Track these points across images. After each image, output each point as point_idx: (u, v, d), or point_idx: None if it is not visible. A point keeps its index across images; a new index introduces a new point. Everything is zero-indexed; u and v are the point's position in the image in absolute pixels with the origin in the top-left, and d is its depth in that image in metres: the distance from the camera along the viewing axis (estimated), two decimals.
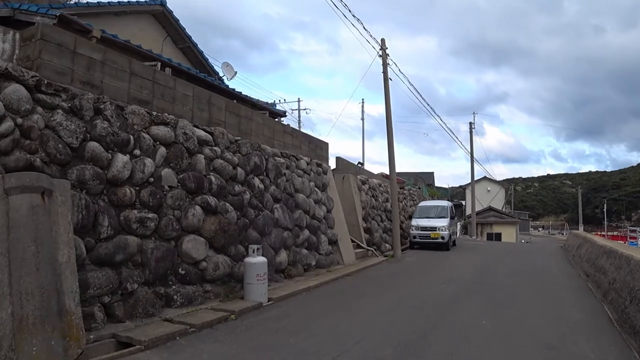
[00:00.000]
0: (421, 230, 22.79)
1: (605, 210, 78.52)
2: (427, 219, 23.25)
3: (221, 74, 18.61)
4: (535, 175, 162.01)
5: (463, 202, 56.43)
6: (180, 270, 9.28)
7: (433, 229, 22.57)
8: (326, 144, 17.85)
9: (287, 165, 14.05)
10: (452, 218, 23.84)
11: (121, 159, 8.26)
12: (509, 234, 41.80)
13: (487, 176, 53.88)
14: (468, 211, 46.41)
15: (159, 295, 8.60)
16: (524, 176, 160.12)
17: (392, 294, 11.07)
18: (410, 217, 24.74)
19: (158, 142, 9.43)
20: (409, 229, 23.49)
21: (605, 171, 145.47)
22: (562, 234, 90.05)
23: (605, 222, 77.28)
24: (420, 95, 38.11)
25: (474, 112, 38.36)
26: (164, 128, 9.62)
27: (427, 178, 60.31)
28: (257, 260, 9.98)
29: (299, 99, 45.15)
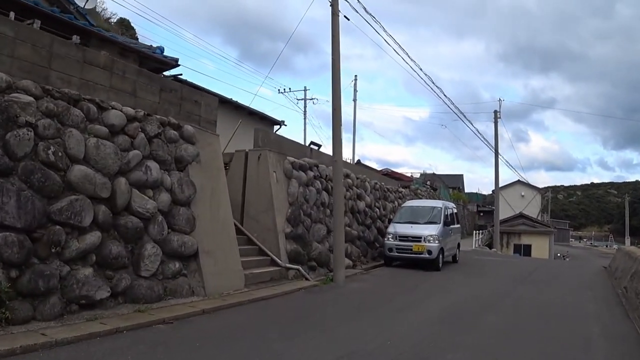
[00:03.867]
0: (399, 240, 14.58)
1: None
2: (410, 225, 15.00)
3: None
4: (579, 184, 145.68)
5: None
6: None
7: (416, 239, 14.32)
8: (213, 99, 10.21)
9: (46, 112, 6.58)
10: (447, 224, 15.46)
11: None
12: (540, 245, 32.21)
13: (521, 180, 44.07)
14: (501, 217, 36.79)
15: None
16: (566, 184, 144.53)
17: None
18: (389, 222, 16.57)
19: None
20: (385, 237, 15.30)
21: None
22: (607, 246, 77.87)
23: None
24: (411, 58, 29.59)
25: (499, 99, 29.34)
26: None
27: (454, 181, 51.13)
28: None
29: (305, 87, 37.49)
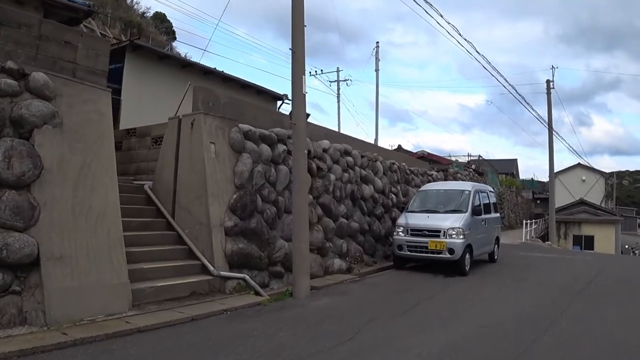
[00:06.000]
0: (412, 234, 10.77)
1: None
2: (426, 215, 11.13)
3: None
4: None
5: None
6: None
7: (433, 233, 10.46)
8: (100, 43, 7.03)
9: None
10: (477, 214, 11.41)
11: None
12: (605, 236, 26.68)
13: (582, 163, 38.02)
14: (557, 205, 31.09)
15: None
16: (631, 169, 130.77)
17: None
18: (403, 210, 12.66)
19: None
20: (394, 231, 11.48)
21: None
22: None
23: None
24: (466, 40, 24.96)
25: (552, 67, 24.25)
26: None
27: (507, 166, 45.55)
28: None
29: (337, 68, 34.01)
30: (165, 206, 8.21)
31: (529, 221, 26.10)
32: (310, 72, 33.91)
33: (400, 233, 10.93)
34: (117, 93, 13.32)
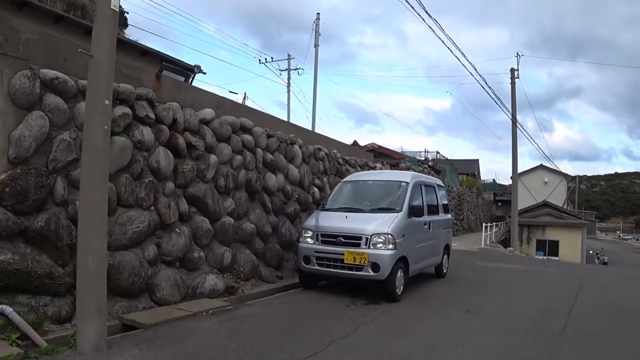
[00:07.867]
0: (322, 242, 7.78)
1: None
2: (345, 215, 8.14)
3: None
4: (602, 174, 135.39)
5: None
6: None
7: (352, 240, 7.45)
8: None
9: None
10: (416, 214, 8.52)
11: None
12: (570, 242, 24.61)
13: (545, 164, 36.28)
14: (519, 207, 28.86)
15: None
16: (589, 174, 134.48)
17: None
18: (318, 207, 9.67)
19: None
20: (301, 237, 8.47)
21: None
22: (638, 239, 70.29)
23: None
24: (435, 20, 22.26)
25: (517, 54, 21.87)
26: None
27: (468, 166, 43.60)
28: None
29: (288, 55, 30.90)
30: None
31: (489, 224, 23.75)
32: (259, 60, 30.89)
33: (308, 239, 7.94)
34: None
